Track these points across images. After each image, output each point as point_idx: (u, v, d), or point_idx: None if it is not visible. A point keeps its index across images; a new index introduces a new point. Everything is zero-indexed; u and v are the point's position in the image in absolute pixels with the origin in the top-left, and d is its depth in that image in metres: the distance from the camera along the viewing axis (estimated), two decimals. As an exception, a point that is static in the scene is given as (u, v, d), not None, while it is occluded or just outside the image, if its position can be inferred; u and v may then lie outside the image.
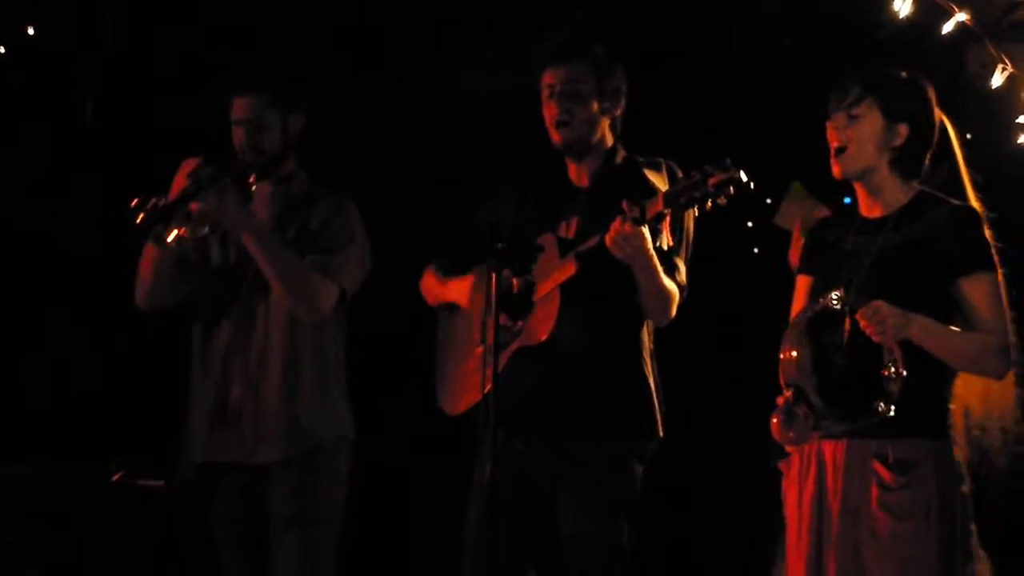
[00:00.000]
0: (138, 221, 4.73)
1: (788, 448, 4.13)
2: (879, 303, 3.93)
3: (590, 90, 4.76)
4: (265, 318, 4.99)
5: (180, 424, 5.09)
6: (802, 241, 4.48)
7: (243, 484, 4.97)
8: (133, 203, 4.71)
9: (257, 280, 4.97)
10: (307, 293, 4.90)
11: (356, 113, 5.28)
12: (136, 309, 5.06)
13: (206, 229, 4.86)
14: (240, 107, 5.00)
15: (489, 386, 4.26)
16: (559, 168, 4.88)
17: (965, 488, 4.10)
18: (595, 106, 4.77)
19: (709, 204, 4.29)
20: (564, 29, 5.72)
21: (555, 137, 4.78)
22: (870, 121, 4.14)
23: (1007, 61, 5.05)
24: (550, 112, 4.78)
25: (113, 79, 6.51)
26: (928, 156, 4.22)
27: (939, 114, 4.26)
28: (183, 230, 4.80)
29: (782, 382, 4.07)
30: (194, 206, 4.77)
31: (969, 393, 4.19)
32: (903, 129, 4.15)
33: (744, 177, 4.25)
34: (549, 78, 4.78)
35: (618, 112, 4.85)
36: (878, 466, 4.03)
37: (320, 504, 4.96)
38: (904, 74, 4.21)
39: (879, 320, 3.91)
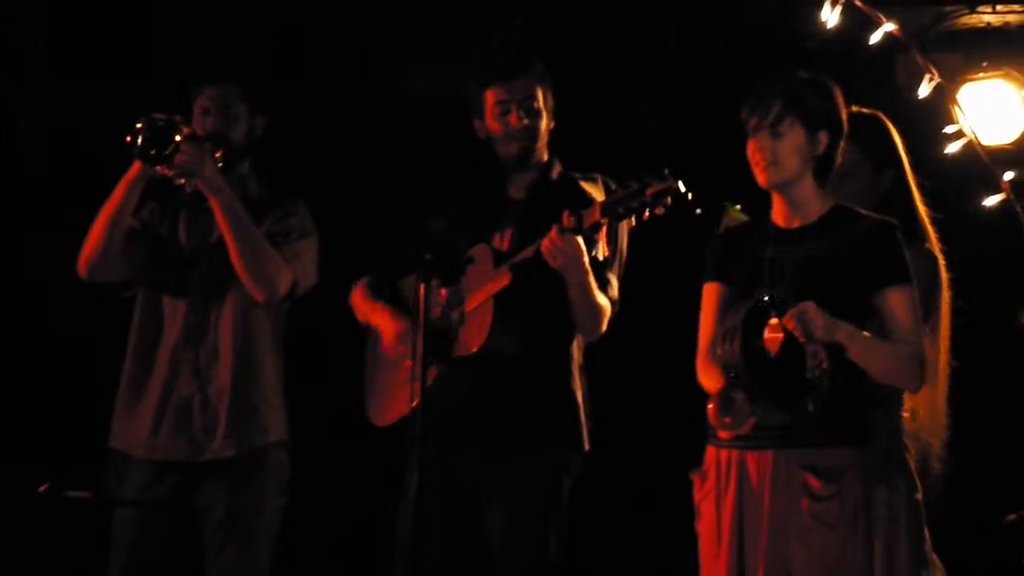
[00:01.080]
0: (132, 135, 4.78)
1: (722, 434, 4.12)
2: (808, 304, 3.95)
3: (540, 106, 4.77)
4: (218, 312, 4.98)
5: (108, 422, 5.04)
6: None
7: (177, 488, 4.93)
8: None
9: (211, 272, 4.97)
10: (266, 269, 4.89)
11: (286, 119, 5.25)
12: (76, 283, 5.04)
13: (183, 180, 4.91)
14: (212, 95, 5.02)
15: (417, 399, 4.24)
16: (495, 180, 4.87)
17: (918, 495, 4.14)
18: (545, 120, 4.78)
19: (647, 214, 4.30)
20: (503, 42, 5.70)
21: (511, 149, 4.77)
22: (794, 136, 4.16)
23: (934, 71, 5.07)
24: (507, 125, 4.76)
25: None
26: (838, 155, 4.25)
27: (887, 122, 4.29)
28: (166, 169, 4.84)
29: (710, 385, 4.09)
30: (178, 155, 4.81)
31: (918, 397, 4.25)
32: (823, 137, 4.18)
33: (682, 187, 4.26)
34: (500, 94, 4.77)
35: (553, 124, 4.86)
36: (808, 476, 4.04)
37: (261, 514, 4.95)
38: (815, 80, 4.23)
39: (807, 320, 3.94)
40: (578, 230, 4.42)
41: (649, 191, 4.28)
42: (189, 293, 5.00)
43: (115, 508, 4.99)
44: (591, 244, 4.54)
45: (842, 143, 4.23)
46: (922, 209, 4.31)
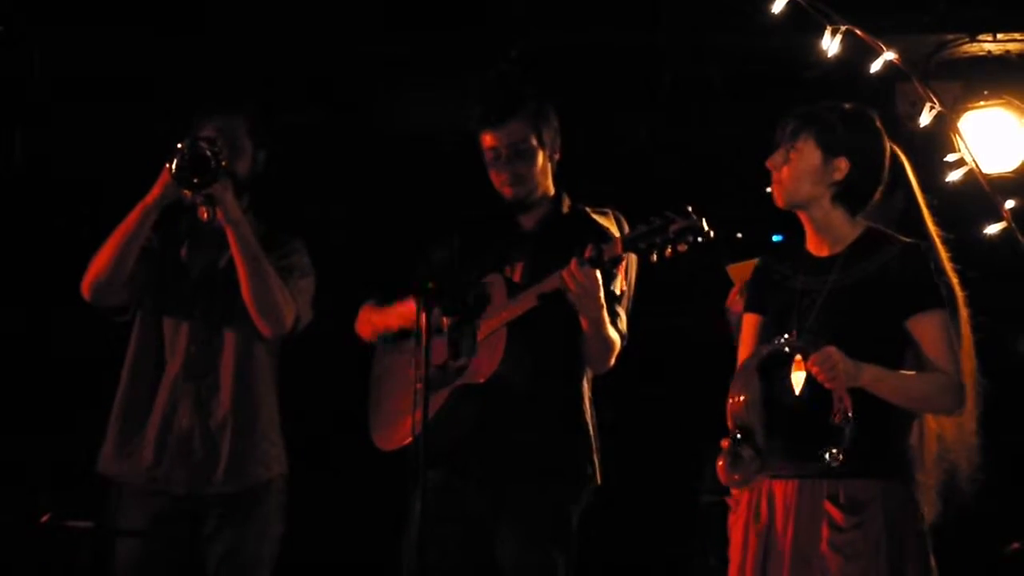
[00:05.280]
0: (173, 155, 4.74)
1: (733, 491, 4.11)
2: (831, 350, 3.90)
3: (533, 146, 4.76)
4: (220, 344, 4.96)
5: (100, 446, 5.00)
6: (738, 289, 4.47)
7: (180, 519, 4.91)
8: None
9: (215, 302, 4.96)
10: (276, 303, 4.88)
11: (284, 151, 5.25)
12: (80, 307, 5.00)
13: (203, 209, 4.85)
14: (219, 126, 4.96)
15: (419, 428, 4.23)
16: (505, 211, 4.87)
17: (924, 526, 4.09)
18: (540, 159, 4.78)
19: (669, 251, 4.29)
20: (496, 82, 5.72)
21: (507, 194, 4.78)
22: (807, 155, 4.13)
23: (935, 100, 5.08)
24: (498, 175, 4.78)
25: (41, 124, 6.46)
26: (877, 191, 4.20)
27: (891, 145, 4.25)
28: (195, 195, 4.82)
29: (730, 424, 4.05)
30: (215, 185, 4.79)
31: (944, 419, 4.20)
32: (842, 163, 4.12)
33: (706, 226, 4.25)
34: (490, 140, 4.78)
35: (558, 156, 4.86)
36: (829, 506, 4.01)
37: (263, 545, 4.95)
38: (846, 108, 4.19)
39: (831, 367, 3.88)
40: (598, 263, 4.41)
41: (673, 227, 4.28)
42: (192, 322, 4.97)
43: (121, 537, 4.98)
44: (610, 278, 4.55)
45: (876, 176, 4.19)
46: (933, 230, 4.29)
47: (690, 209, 4.29)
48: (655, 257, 4.35)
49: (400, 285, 4.85)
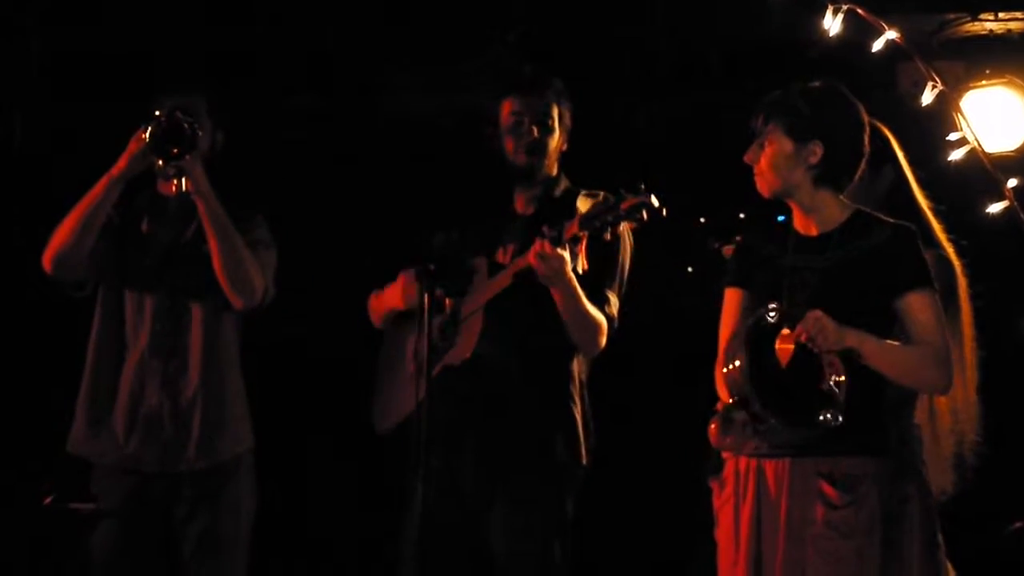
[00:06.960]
0: (149, 123, 4.74)
1: (724, 455, 4.12)
2: (818, 312, 3.93)
3: (555, 122, 4.81)
4: (187, 320, 4.97)
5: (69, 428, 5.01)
6: None
7: (152, 498, 4.92)
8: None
9: (179, 277, 4.96)
10: (247, 274, 4.89)
11: (287, 134, 5.25)
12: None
13: (175, 185, 4.82)
14: (180, 104, 4.91)
15: (415, 406, 4.25)
16: (502, 194, 4.89)
17: (931, 500, 4.14)
18: (557, 136, 4.81)
19: (622, 227, 4.43)
20: (519, 55, 5.73)
21: (518, 160, 4.81)
22: (778, 145, 4.14)
23: (937, 79, 5.07)
24: (518, 137, 4.80)
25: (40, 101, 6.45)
26: (861, 165, 4.20)
27: (872, 121, 4.23)
28: (167, 165, 4.80)
29: (725, 395, 4.06)
30: (187, 156, 4.78)
31: (954, 394, 4.26)
32: (816, 147, 4.13)
33: (656, 202, 4.34)
34: (516, 106, 4.81)
35: (565, 146, 4.87)
36: (823, 484, 4.02)
37: (238, 521, 4.98)
38: (812, 88, 4.19)
39: (819, 329, 3.91)
40: (558, 242, 4.48)
41: (624, 205, 4.39)
42: (156, 298, 4.98)
43: (102, 518, 4.98)
44: (572, 256, 4.57)
45: (855, 151, 4.19)
46: (924, 203, 4.30)
47: (643, 186, 4.38)
48: (608, 235, 4.46)
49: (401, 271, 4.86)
